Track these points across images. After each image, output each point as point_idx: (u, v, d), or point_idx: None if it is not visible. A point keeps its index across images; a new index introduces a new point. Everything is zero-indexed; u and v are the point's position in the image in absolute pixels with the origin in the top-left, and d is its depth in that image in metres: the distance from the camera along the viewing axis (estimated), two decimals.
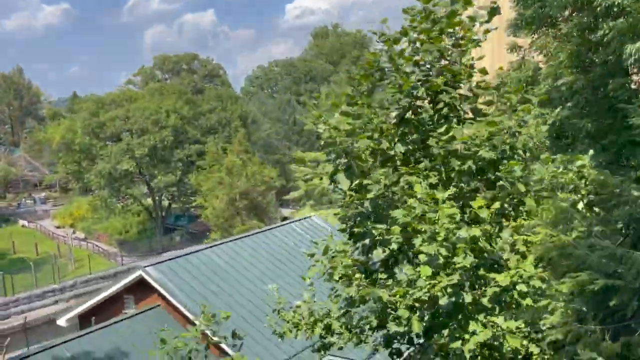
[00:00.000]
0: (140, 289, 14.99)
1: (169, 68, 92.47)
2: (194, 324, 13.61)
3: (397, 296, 5.84)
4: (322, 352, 7.58)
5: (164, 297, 14.39)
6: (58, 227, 66.63)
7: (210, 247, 16.31)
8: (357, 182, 6.78)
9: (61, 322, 17.01)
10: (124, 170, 49.86)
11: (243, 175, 34.67)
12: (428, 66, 6.98)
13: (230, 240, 17.11)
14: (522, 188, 6.25)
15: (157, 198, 55.84)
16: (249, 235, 17.91)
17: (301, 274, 15.90)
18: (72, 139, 47.65)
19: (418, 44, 6.95)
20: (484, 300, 5.75)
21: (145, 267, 14.22)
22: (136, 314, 13.79)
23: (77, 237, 60.82)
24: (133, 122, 49.10)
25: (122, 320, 13.35)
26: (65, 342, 12.00)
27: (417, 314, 5.89)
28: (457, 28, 6.85)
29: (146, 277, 14.05)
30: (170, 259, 14.94)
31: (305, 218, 19.69)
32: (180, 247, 54.27)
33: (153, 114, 49.68)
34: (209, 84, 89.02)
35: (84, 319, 16.89)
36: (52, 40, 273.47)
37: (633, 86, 11.16)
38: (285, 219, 46.86)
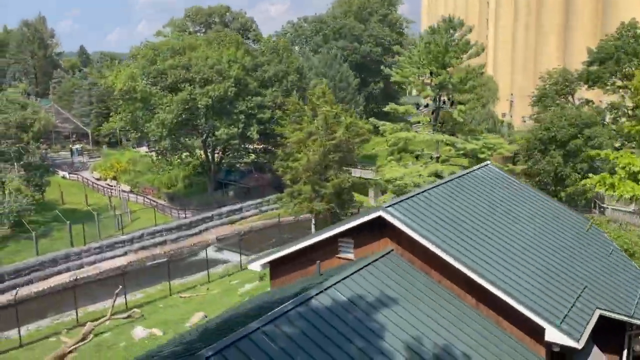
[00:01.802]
0: (363, 232, 13.83)
1: (202, 20, 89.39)
2: (436, 268, 12.64)
3: None
4: None
5: (398, 241, 13.25)
6: (99, 179, 65.28)
7: (436, 186, 15.05)
8: None
9: (254, 266, 15.90)
10: (185, 121, 48.25)
11: (342, 126, 33.19)
12: None
13: (449, 180, 15.89)
14: None
15: (209, 152, 54.33)
16: (461, 176, 16.69)
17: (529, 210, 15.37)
18: (133, 87, 45.63)
19: None
20: None
21: (387, 207, 12.98)
22: (375, 260, 12.64)
23: (123, 190, 59.60)
24: (196, 71, 47.05)
25: (363, 267, 12.18)
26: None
27: None
28: None
29: (389, 218, 12.83)
30: (408, 197, 13.69)
31: (484, 165, 18.49)
32: (234, 203, 53.22)
33: (216, 63, 47.63)
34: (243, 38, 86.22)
35: (277, 266, 15.80)
36: None
37: None
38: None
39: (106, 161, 68.59)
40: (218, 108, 48.59)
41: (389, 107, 35.41)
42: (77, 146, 75.30)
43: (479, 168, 17.86)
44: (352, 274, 11.86)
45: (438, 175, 35.14)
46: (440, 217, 13.68)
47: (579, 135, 34.26)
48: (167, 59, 48.19)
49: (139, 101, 46.91)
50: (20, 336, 26.06)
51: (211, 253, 43.29)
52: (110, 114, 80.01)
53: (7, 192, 43.89)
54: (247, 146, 55.00)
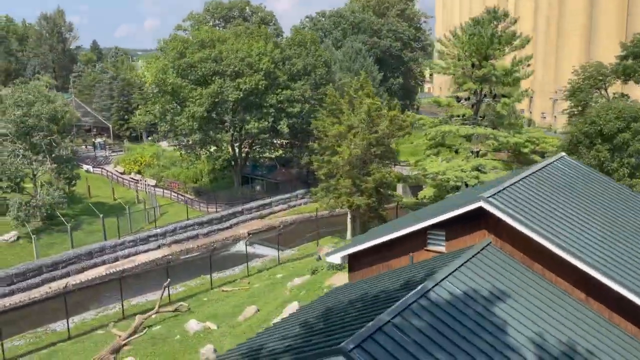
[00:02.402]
0: (456, 224, 13.37)
1: (222, 14, 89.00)
2: (539, 261, 12.17)
3: None
4: None
5: (496, 233, 12.77)
6: (122, 173, 65.23)
7: (521, 179, 14.49)
8: None
9: (334, 258, 15.49)
10: (214, 115, 47.89)
11: (386, 119, 32.64)
12: None
13: (531, 173, 15.34)
14: None
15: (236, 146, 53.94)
16: (542, 168, 16.13)
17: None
18: (164, 80, 45.27)
19: None
20: None
21: (488, 197, 12.48)
22: (476, 253, 12.17)
23: (149, 184, 59.48)
24: (227, 64, 46.62)
25: (468, 260, 11.69)
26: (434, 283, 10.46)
27: None
28: None
29: (491, 209, 12.35)
30: (501, 190, 13.17)
31: (559, 157, 17.95)
32: (262, 197, 52.89)
33: (246, 56, 47.18)
34: None
35: (357, 258, 15.38)
36: None
37: None
38: None
39: (129, 155, 68.50)
40: (248, 101, 48.19)
41: (432, 99, 34.80)
42: (100, 140, 75.22)
43: (555, 160, 17.30)
44: (459, 266, 11.40)
45: (479, 170, 34.61)
46: (537, 208, 13.18)
47: (626, 129, 33.48)
48: (196, 52, 47.76)
49: (169, 94, 46.57)
50: (68, 328, 25.88)
51: (244, 247, 43.03)
52: (132, 108, 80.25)
53: (39, 185, 43.82)
54: (273, 141, 54.63)
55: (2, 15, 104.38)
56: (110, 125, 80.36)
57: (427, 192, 34.86)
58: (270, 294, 27.07)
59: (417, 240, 14.21)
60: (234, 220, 46.97)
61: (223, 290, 30.99)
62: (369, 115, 32.78)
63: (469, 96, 36.57)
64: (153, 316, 26.38)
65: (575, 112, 48.44)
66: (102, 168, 66.25)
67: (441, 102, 35.03)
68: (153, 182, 60.22)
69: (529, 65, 33.58)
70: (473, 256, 12.06)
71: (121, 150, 74.64)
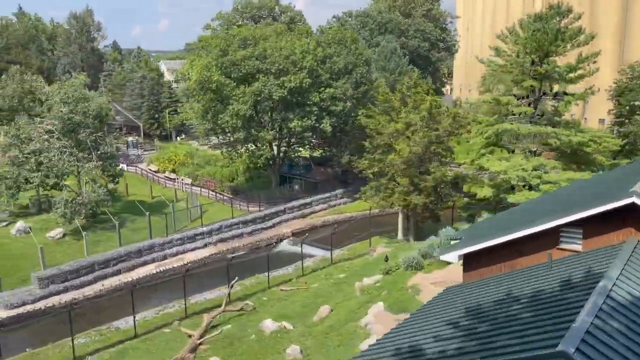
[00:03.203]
0: (595, 221, 12.65)
1: (251, 14, 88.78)
2: None
3: None
4: None
5: None
6: (156, 172, 65.07)
7: None
8: None
9: (449, 257, 14.84)
10: (256, 113, 47.44)
11: (449, 117, 31.91)
12: None
13: None
14: None
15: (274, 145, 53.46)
16: None
17: None
18: (208, 78, 44.90)
19: None
20: None
21: None
22: (632, 252, 11.44)
23: (186, 183, 59.24)
24: (272, 61, 46.15)
25: (627, 259, 10.97)
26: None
27: None
28: None
29: None
30: None
31: None
32: (301, 197, 52.30)
33: (291, 54, 46.69)
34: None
35: (474, 257, 14.70)
36: None
37: None
38: None
39: (163, 154, 68.36)
40: (290, 100, 47.70)
41: (490, 98, 34.03)
42: (132, 139, 75.20)
43: None
44: (623, 267, 10.67)
45: (538, 170, 33.73)
46: None
47: None
48: (238, 49, 47.35)
49: (213, 92, 46.20)
50: (135, 326, 25.44)
51: (290, 247, 42.50)
52: (161, 107, 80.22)
53: (84, 182, 43.64)
54: (312, 140, 54.13)
55: (30, 15, 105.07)
56: (141, 124, 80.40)
57: (486, 191, 34.04)
58: (337, 294, 26.43)
59: (548, 238, 13.48)
60: (277, 220, 46.45)
61: (282, 290, 30.40)
62: (430, 112, 32.05)
63: (527, 94, 35.76)
64: (218, 315, 25.87)
65: (625, 113, 47.42)
66: (135, 166, 66.16)
67: (501, 101, 34.20)
68: (189, 180, 59.98)
69: (594, 62, 32.68)
70: (631, 256, 11.32)
71: (153, 149, 74.58)
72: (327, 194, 52.32)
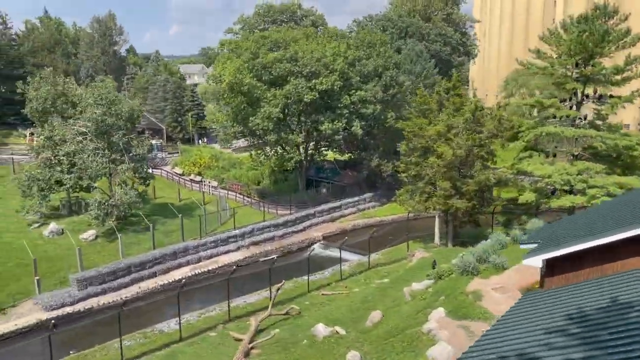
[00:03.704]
0: None
1: (273, 18, 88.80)
2: None
3: None
4: None
5: None
6: (182, 175, 65.03)
7: None
8: None
9: (532, 261, 14.30)
10: (286, 116, 47.18)
11: (494, 119, 31.38)
12: None
13: None
14: None
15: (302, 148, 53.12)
16: None
17: None
18: (240, 80, 44.74)
19: None
20: None
21: None
22: None
23: (213, 186, 59.11)
24: (303, 64, 45.90)
25: None
26: None
27: None
28: None
29: None
30: None
31: None
32: (329, 200, 51.82)
33: (322, 56, 46.41)
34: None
35: (557, 262, 14.14)
36: None
37: None
38: None
39: (188, 157, 68.36)
40: (320, 102, 47.39)
41: (533, 100, 33.41)
42: (156, 142, 75.33)
43: None
44: None
45: (580, 174, 33.00)
46: None
47: None
48: (268, 52, 47.18)
49: (244, 95, 46.02)
50: (180, 329, 25.10)
51: (322, 251, 42.00)
52: (184, 111, 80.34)
53: (115, 184, 43.59)
54: (342, 143, 53.74)
55: (53, 19, 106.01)
56: (164, 127, 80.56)
57: (528, 196, 33.33)
58: (385, 299, 25.90)
59: (610, 251, 12.93)
60: (307, 223, 46.05)
61: (323, 294, 29.95)
62: (474, 115, 31.51)
63: (570, 97, 35.07)
64: (265, 319, 25.47)
65: None
66: (160, 169, 66.19)
67: (544, 103, 33.57)
68: (215, 183, 59.84)
69: None
70: None
71: (176, 152, 74.63)
72: (356, 198, 51.84)
